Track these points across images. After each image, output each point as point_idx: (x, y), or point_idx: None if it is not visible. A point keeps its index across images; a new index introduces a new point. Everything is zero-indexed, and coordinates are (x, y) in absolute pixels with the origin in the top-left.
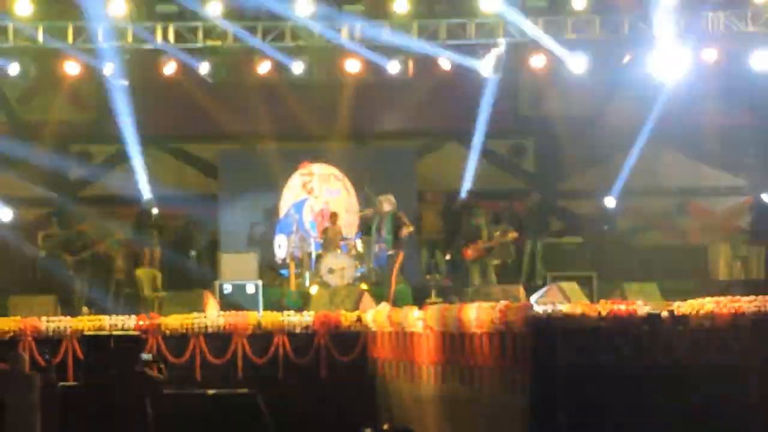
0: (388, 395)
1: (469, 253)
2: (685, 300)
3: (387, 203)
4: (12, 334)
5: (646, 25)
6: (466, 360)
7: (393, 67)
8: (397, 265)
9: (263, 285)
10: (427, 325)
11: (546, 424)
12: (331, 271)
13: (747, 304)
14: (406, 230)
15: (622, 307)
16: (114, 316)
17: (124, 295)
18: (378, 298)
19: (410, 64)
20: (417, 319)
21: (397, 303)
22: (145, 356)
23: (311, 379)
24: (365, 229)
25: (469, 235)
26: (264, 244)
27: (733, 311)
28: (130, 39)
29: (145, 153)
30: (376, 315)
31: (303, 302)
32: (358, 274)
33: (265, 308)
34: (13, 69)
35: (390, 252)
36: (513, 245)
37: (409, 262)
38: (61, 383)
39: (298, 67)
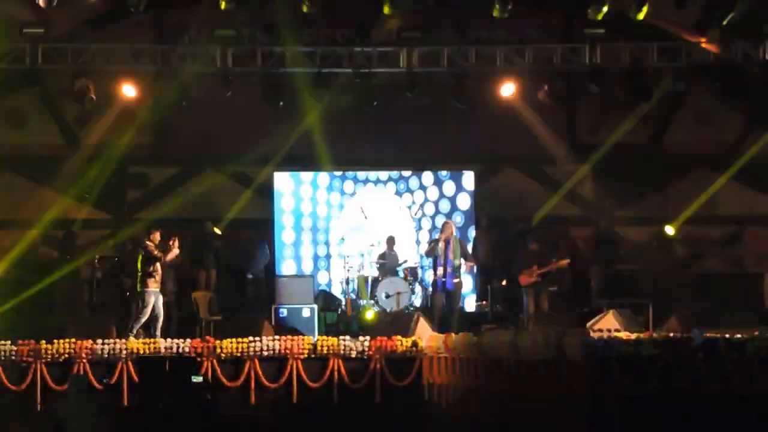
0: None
1: (524, 278)
2: (741, 328)
3: (454, 226)
4: (67, 356)
5: (702, 51)
6: (522, 386)
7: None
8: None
9: (319, 309)
10: (483, 352)
11: None
12: (387, 295)
13: None
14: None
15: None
16: (169, 339)
17: (175, 318)
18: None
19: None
20: (472, 345)
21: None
22: (195, 378)
23: (366, 403)
24: (430, 254)
25: (523, 261)
26: (320, 267)
27: None
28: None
29: (201, 175)
30: (431, 340)
31: (359, 327)
32: (414, 299)
33: (321, 332)
34: (72, 90)
35: (456, 280)
36: (568, 272)
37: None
38: (116, 405)
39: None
